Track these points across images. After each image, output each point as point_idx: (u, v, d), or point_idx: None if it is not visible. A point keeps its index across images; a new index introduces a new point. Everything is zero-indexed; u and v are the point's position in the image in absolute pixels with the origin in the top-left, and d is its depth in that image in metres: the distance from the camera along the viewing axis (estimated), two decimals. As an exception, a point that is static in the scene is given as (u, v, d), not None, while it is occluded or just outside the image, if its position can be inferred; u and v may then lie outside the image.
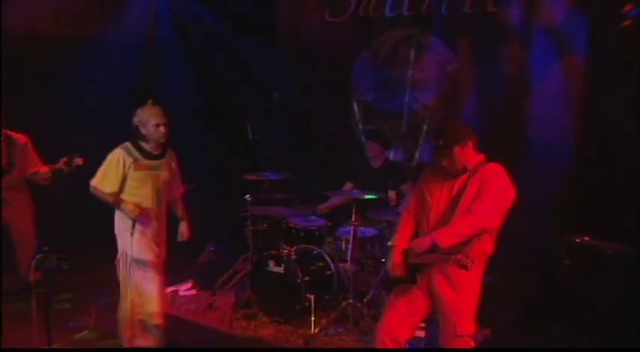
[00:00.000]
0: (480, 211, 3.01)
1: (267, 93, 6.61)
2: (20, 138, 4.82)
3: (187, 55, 6.84)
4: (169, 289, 5.36)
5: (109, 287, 5.22)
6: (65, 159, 4.50)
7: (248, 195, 4.93)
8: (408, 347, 3.26)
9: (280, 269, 4.62)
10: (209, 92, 6.88)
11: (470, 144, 3.17)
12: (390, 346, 3.18)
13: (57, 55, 5.83)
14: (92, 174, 3.89)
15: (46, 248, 3.29)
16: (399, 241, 3.28)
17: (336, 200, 5.22)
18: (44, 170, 4.71)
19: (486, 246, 3.18)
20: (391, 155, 5.71)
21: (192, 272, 5.53)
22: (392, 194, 4.63)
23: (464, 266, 2.97)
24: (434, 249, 3.09)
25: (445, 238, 3.05)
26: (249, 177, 5.01)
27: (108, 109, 6.33)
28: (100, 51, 6.17)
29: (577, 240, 4.26)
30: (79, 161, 4.32)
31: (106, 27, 6.36)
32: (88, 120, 6.11)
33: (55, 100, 5.58)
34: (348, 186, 5.22)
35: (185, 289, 5.41)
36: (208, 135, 6.83)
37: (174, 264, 5.86)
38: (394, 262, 3.22)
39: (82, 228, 5.53)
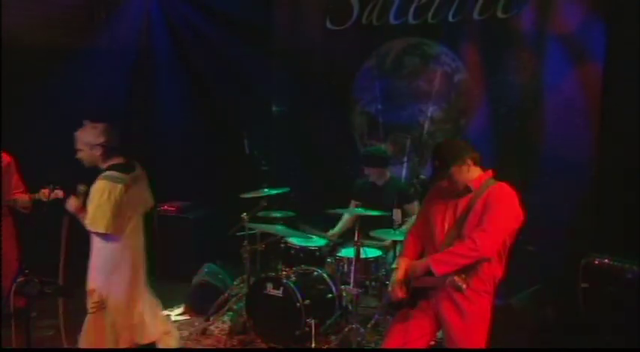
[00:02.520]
0: (479, 240, 2.96)
1: (266, 106, 6.62)
2: (4, 157, 4.71)
3: (182, 66, 6.81)
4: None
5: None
6: (45, 190, 4.47)
7: (245, 214, 4.87)
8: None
9: (278, 293, 4.54)
10: (204, 104, 6.85)
11: (469, 162, 3.12)
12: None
13: (45, 66, 5.82)
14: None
15: (27, 271, 3.21)
16: (402, 263, 3.24)
17: (346, 223, 5.17)
18: (23, 198, 4.68)
19: (495, 268, 3.12)
20: (403, 172, 5.66)
21: (184, 295, 5.45)
22: (397, 213, 4.56)
23: (459, 289, 2.94)
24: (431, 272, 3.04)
25: (439, 266, 3.01)
26: (245, 196, 4.95)
27: (99, 121, 6.31)
28: (91, 62, 6.14)
29: (595, 262, 4.19)
30: (59, 193, 4.28)
31: (97, 37, 6.34)
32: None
33: (42, 113, 5.54)
34: (352, 204, 5.17)
35: (177, 314, 5.33)
36: (203, 149, 6.79)
37: (165, 286, 5.89)
38: (396, 285, 3.18)
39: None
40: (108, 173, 3.71)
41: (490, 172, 3.19)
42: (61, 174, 4.33)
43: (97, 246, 3.77)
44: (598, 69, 4.83)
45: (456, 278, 2.94)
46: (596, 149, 4.82)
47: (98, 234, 3.70)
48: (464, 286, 2.92)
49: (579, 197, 4.84)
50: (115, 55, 6.41)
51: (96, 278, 3.79)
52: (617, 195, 4.61)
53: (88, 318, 3.82)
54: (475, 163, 3.15)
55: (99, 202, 3.61)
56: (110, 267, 3.79)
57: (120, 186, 3.66)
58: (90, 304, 3.82)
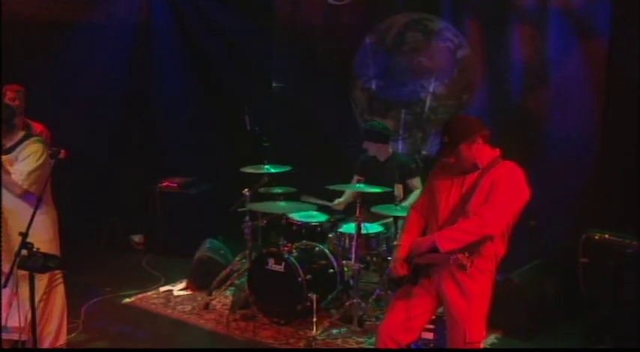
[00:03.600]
0: (486, 217, 2.94)
1: (267, 81, 6.57)
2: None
3: (182, 41, 6.77)
4: (163, 288, 5.35)
5: (99, 287, 5.26)
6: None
7: (246, 190, 4.86)
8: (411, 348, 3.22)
9: (280, 268, 4.56)
10: (205, 80, 6.81)
11: (479, 140, 3.08)
12: (393, 348, 3.16)
13: (45, 40, 5.76)
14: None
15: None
16: (405, 240, 3.22)
17: (349, 197, 5.17)
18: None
19: (498, 247, 3.12)
20: (399, 147, 5.63)
21: (186, 271, 5.48)
22: (398, 188, 4.56)
23: (463, 267, 2.93)
24: (435, 249, 3.03)
25: (445, 243, 2.98)
26: (247, 171, 4.93)
27: (100, 97, 6.30)
28: (91, 36, 6.09)
29: (596, 237, 4.20)
30: (62, 154, 4.25)
31: (96, 11, 6.27)
32: (79, 107, 6.06)
33: (43, 88, 5.51)
34: (355, 180, 5.16)
35: (179, 289, 5.36)
36: (204, 125, 6.78)
37: (167, 262, 5.93)
38: (398, 262, 3.17)
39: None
40: (40, 137, 3.78)
41: (498, 151, 3.16)
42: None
43: (22, 206, 3.65)
44: (603, 44, 4.76)
45: (460, 256, 2.92)
46: (600, 125, 4.78)
47: (26, 195, 3.66)
48: (468, 264, 2.91)
49: (582, 173, 4.82)
50: (114, 31, 6.35)
51: (45, 241, 3.68)
52: (621, 171, 4.59)
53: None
54: (485, 141, 3.11)
55: (37, 164, 3.65)
56: (52, 230, 3.82)
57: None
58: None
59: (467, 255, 2.94)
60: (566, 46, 4.91)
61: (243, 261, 5.18)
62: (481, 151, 3.10)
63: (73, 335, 4.32)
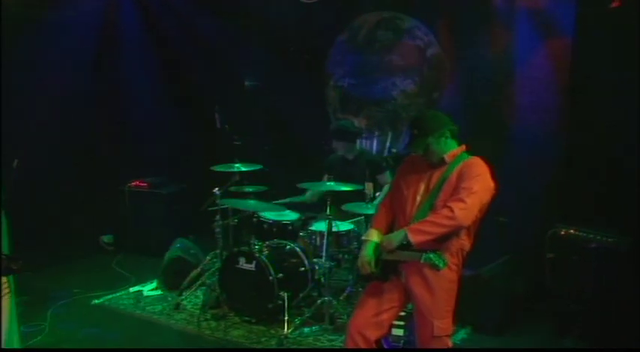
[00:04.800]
0: (456, 208, 2.99)
1: (238, 80, 6.55)
2: None
3: (150, 38, 6.70)
4: (133, 289, 5.31)
5: (67, 288, 5.19)
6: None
7: (217, 188, 4.85)
8: (382, 344, 3.24)
9: (251, 267, 4.57)
10: (174, 78, 6.76)
11: (447, 134, 3.15)
12: (362, 345, 3.19)
13: (9, 37, 5.65)
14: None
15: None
16: (373, 235, 3.25)
17: (316, 194, 5.19)
18: None
19: (463, 242, 3.17)
20: (370, 145, 5.67)
21: (157, 271, 5.45)
22: (368, 186, 4.59)
23: (436, 267, 2.97)
24: (406, 245, 3.06)
25: (416, 236, 3.03)
26: (218, 169, 4.92)
27: (67, 97, 6.20)
28: (55, 32, 5.99)
29: (561, 233, 4.28)
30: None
31: (62, 8, 6.17)
32: (45, 107, 5.96)
33: (7, 87, 5.41)
34: (325, 178, 5.17)
35: (150, 289, 5.33)
36: (173, 124, 6.74)
37: (137, 262, 5.88)
38: (365, 258, 3.19)
39: (33, 229, 5.39)
40: None
41: (464, 146, 3.23)
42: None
43: None
44: (567, 43, 4.88)
45: (432, 255, 2.96)
46: (566, 122, 4.88)
47: None
48: (440, 264, 2.96)
49: (550, 169, 4.92)
50: (81, 29, 6.25)
51: None
52: (587, 168, 4.69)
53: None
54: (453, 136, 3.19)
55: None
56: None
57: None
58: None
59: (439, 253, 2.99)
60: (533, 46, 5.04)
61: (214, 260, 5.15)
62: (449, 146, 3.18)
63: (38, 338, 4.27)
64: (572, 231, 4.24)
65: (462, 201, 3.00)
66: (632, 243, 4.00)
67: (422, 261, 3.00)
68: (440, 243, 3.08)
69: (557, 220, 4.42)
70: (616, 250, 4.02)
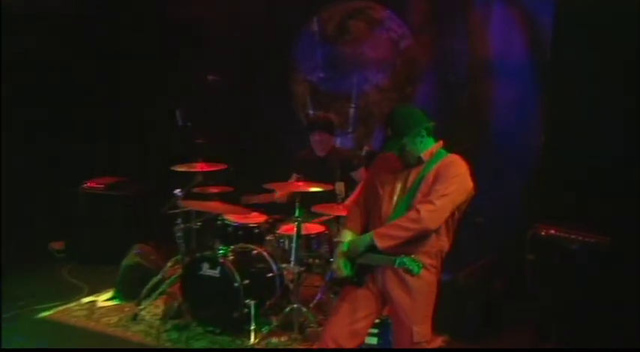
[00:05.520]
0: (423, 210, 2.97)
1: (200, 74, 6.45)
2: None
3: (107, 30, 6.55)
4: (86, 300, 5.18)
5: (12, 300, 5.01)
6: None
7: (178, 190, 4.76)
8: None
9: (215, 273, 4.51)
10: (129, 72, 6.61)
11: (423, 133, 3.12)
12: None
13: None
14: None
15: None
16: (347, 237, 3.22)
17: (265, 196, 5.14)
18: None
19: (443, 243, 3.15)
20: (338, 141, 5.63)
21: (113, 279, 5.34)
22: (339, 186, 4.56)
23: (410, 272, 2.93)
24: (374, 247, 3.03)
25: (383, 240, 3.01)
26: (179, 169, 4.84)
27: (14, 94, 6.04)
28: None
29: (542, 233, 4.29)
30: None
31: None
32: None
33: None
34: (294, 178, 5.12)
35: (104, 299, 5.23)
36: (132, 121, 6.61)
37: (91, 270, 5.74)
38: (339, 261, 3.16)
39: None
40: None
41: (442, 143, 3.21)
42: None
43: None
44: (547, 35, 4.91)
45: (406, 259, 2.93)
46: (547, 117, 4.91)
47: None
48: (415, 269, 2.92)
49: (529, 166, 4.94)
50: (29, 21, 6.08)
51: None
52: (568, 165, 4.71)
53: None
54: (429, 134, 3.15)
55: None
56: None
57: None
58: None
59: (413, 256, 2.95)
60: (511, 37, 5.05)
61: (175, 266, 5.09)
62: (426, 144, 3.14)
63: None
64: (552, 231, 4.26)
65: (430, 203, 2.98)
66: (613, 243, 4.03)
67: (396, 266, 2.96)
68: (418, 244, 3.04)
69: (538, 220, 4.44)
70: (598, 251, 4.05)
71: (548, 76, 4.91)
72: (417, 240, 3.04)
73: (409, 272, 2.94)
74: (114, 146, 6.63)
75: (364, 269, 3.16)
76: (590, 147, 4.60)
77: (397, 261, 2.94)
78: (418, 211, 2.97)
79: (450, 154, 3.16)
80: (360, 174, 4.95)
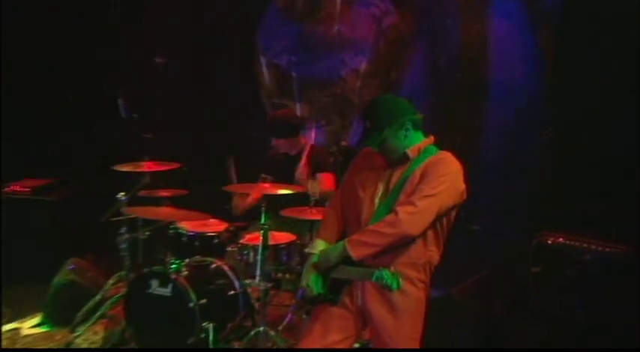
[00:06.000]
0: (403, 213, 2.99)
1: (147, 56, 6.44)
2: None
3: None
4: (8, 327, 5.11)
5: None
6: None
7: (122, 193, 4.76)
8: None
9: (166, 291, 4.47)
10: (58, 52, 6.54)
11: (407, 125, 3.15)
12: None
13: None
14: None
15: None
16: (319, 248, 3.23)
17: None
18: None
19: (432, 253, 3.17)
20: (315, 137, 5.67)
21: (41, 301, 5.28)
22: (313, 185, 4.62)
23: (387, 288, 2.94)
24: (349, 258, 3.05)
25: (357, 249, 3.03)
26: (122, 169, 4.83)
27: None
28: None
29: (548, 242, 4.36)
30: None
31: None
32: None
33: None
34: (262, 179, 5.14)
35: (31, 326, 5.18)
36: (65, 112, 6.55)
37: (15, 291, 5.67)
38: (309, 276, 3.17)
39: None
40: None
41: (432, 138, 3.23)
42: None
43: None
44: (552, 13, 4.99)
45: (384, 272, 2.93)
46: (553, 107, 4.99)
47: None
48: (394, 283, 2.92)
49: (533, 165, 5.01)
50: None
51: None
52: (578, 162, 4.80)
53: None
54: (416, 127, 3.17)
55: None
56: None
57: None
58: None
59: (392, 269, 2.96)
60: (511, 16, 5.11)
61: (119, 284, 5.07)
62: (411, 139, 3.17)
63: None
64: (561, 239, 4.33)
65: (411, 204, 2.99)
66: (636, 253, 4.09)
67: (373, 280, 2.97)
68: (400, 254, 3.06)
69: (543, 227, 4.51)
70: (616, 262, 4.11)
71: (554, 57, 4.98)
72: (399, 248, 3.06)
73: (387, 288, 2.94)
74: (43, 141, 6.55)
75: (339, 284, 3.17)
76: (604, 139, 4.69)
77: (375, 275, 2.95)
78: (397, 213, 2.98)
79: (441, 151, 3.18)
80: (331, 175, 4.97)
